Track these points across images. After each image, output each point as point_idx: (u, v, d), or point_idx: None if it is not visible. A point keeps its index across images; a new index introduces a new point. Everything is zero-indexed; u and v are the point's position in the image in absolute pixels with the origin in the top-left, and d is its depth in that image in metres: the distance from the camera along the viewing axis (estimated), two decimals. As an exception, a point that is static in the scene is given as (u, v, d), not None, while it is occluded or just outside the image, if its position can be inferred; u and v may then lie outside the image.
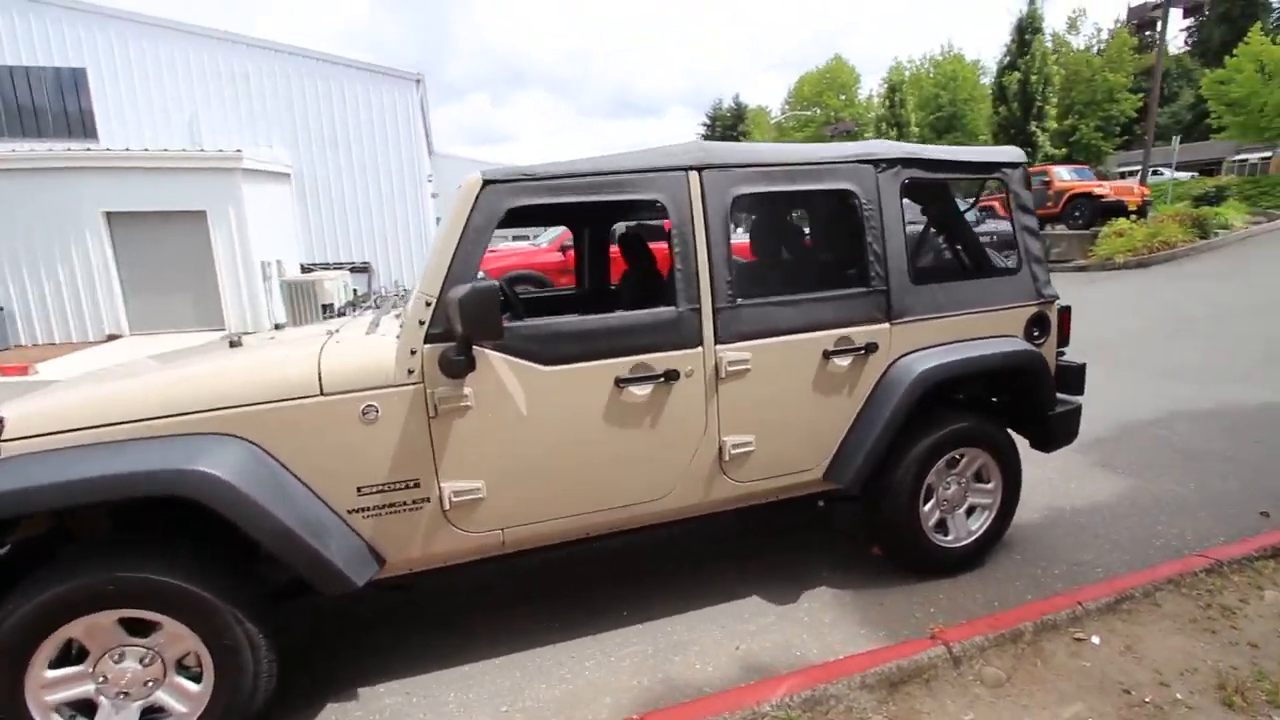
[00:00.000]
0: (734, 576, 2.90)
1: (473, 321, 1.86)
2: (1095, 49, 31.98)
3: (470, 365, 2.02)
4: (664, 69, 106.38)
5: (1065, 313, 3.00)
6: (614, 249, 3.95)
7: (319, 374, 2.00)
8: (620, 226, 4.06)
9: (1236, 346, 6.52)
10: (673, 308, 2.30)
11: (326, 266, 13.22)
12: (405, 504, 2.09)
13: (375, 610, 2.78)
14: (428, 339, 2.06)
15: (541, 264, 10.27)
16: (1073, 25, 32.50)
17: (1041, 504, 3.50)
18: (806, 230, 3.45)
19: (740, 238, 4.90)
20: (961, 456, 2.77)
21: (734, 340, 2.37)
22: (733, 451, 2.42)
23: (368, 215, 14.19)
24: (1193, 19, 38.37)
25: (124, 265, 11.37)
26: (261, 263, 11.64)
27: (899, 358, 2.61)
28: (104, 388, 1.98)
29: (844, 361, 2.52)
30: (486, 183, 2.10)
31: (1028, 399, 2.87)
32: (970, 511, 2.88)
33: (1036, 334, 2.90)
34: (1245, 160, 33.52)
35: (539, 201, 2.15)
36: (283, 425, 1.96)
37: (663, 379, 2.27)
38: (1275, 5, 38.86)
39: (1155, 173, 23.54)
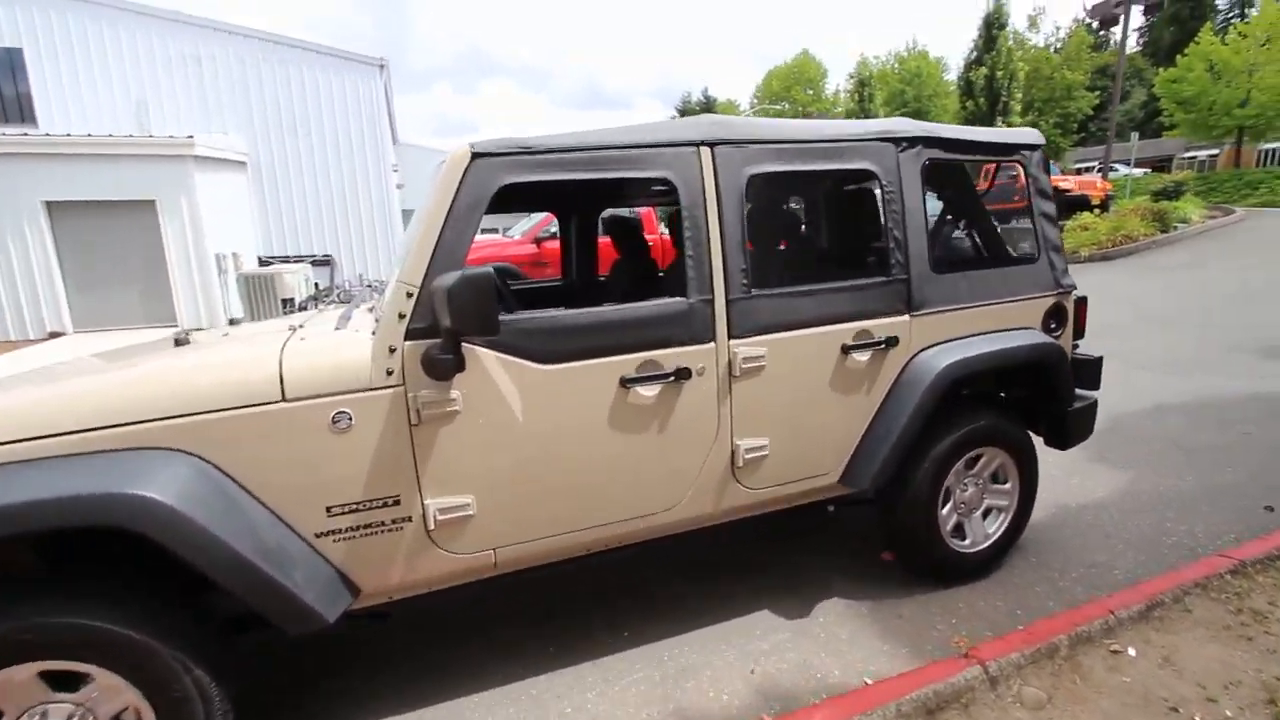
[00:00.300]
0: (741, 589, 2.71)
1: (464, 314, 1.60)
2: (1053, 47, 32.74)
3: (459, 365, 1.76)
4: (635, 65, 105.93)
5: (1081, 304, 2.87)
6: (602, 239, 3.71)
7: (280, 376, 1.72)
8: (609, 213, 3.81)
9: (1210, 336, 6.59)
10: (683, 299, 2.08)
11: (286, 259, 12.62)
12: (383, 524, 1.82)
13: (347, 641, 2.50)
14: (409, 335, 1.79)
15: (514, 257, 9.94)
16: (1033, 23, 33.22)
17: (1047, 501, 3.39)
18: (821, 215, 3.26)
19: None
20: (980, 456, 2.62)
21: (748, 334, 2.16)
22: (746, 456, 2.21)
23: (329, 206, 13.58)
24: (1145, 19, 39.57)
25: (67, 258, 10.66)
26: (216, 255, 11.03)
27: (919, 352, 2.43)
28: (24, 395, 1.67)
29: (863, 356, 2.33)
30: (476, 156, 1.83)
31: (1048, 394, 2.73)
32: (986, 514, 2.73)
33: (1054, 326, 2.77)
34: (1194, 157, 34.77)
35: (535, 178, 1.90)
36: (238, 437, 1.68)
37: (672, 378, 2.05)
38: (1221, 6, 40.43)
39: (1111, 169, 24.26)
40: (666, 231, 9.76)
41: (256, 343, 1.89)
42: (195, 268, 10.87)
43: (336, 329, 2.01)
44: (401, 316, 1.80)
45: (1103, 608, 2.31)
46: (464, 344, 1.79)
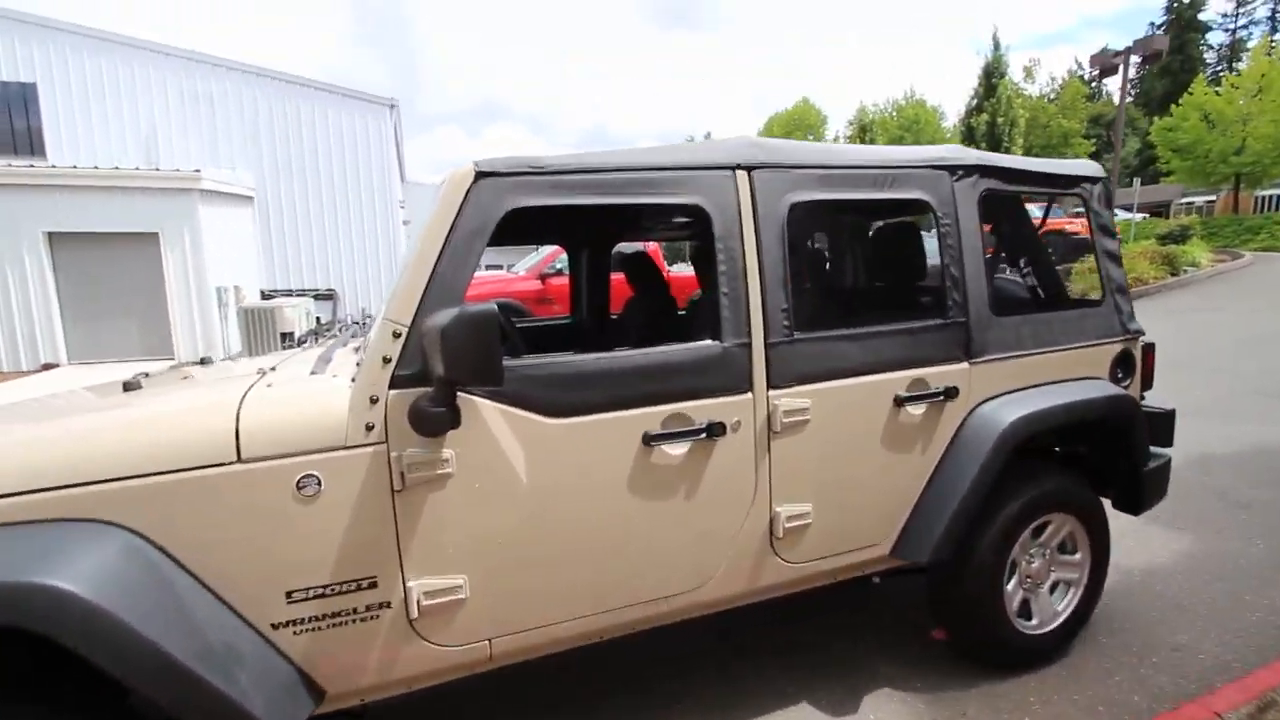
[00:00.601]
0: (772, 676, 2.34)
1: (461, 360, 1.32)
2: (1048, 98, 33.43)
3: (453, 419, 1.47)
4: (637, 109, 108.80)
5: (1149, 350, 2.59)
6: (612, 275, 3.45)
7: (236, 432, 1.43)
8: (621, 249, 3.57)
9: (1242, 383, 6.27)
10: (716, 342, 1.79)
11: (289, 293, 12.47)
12: (355, 612, 1.50)
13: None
14: (395, 383, 1.51)
15: (519, 293, 9.72)
16: (1028, 74, 33.99)
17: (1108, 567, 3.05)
18: (870, 249, 3.00)
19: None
20: (1047, 524, 2.30)
21: (790, 384, 1.87)
22: (787, 525, 1.90)
23: (335, 241, 13.57)
24: (1138, 71, 40.62)
25: (65, 289, 10.52)
26: (217, 288, 10.88)
27: (979, 404, 2.14)
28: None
29: (918, 409, 2.04)
30: (481, 175, 1.57)
31: (1122, 452, 2.42)
32: (1054, 589, 2.39)
33: (1121, 375, 2.48)
34: (1192, 203, 35.07)
35: (547, 202, 1.64)
36: (181, 507, 1.38)
37: (704, 434, 1.75)
38: (1210, 61, 41.55)
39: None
40: (671, 269, 9.58)
41: (214, 390, 1.60)
42: (195, 300, 10.73)
43: (312, 373, 1.73)
44: (387, 361, 1.51)
45: (1207, 709, 1.96)
46: (460, 394, 1.50)
